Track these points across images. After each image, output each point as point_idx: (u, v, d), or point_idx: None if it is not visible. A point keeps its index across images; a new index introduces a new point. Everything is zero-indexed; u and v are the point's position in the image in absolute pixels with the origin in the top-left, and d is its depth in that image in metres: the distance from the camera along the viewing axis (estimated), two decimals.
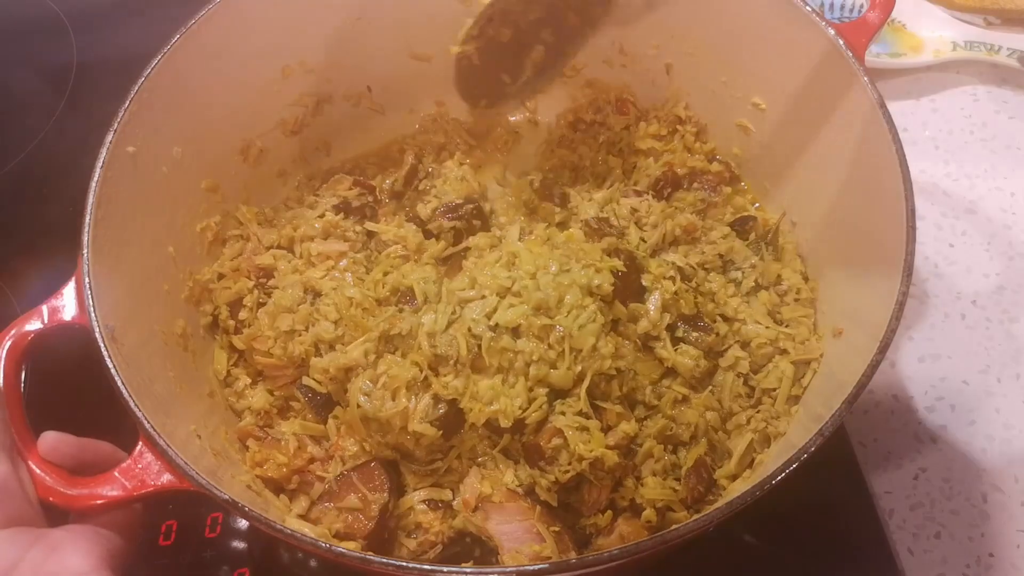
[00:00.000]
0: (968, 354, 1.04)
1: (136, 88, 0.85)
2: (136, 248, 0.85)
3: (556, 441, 0.80)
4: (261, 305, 0.95)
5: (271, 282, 0.97)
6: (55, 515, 0.70)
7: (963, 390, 1.02)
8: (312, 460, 0.88)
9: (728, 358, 0.90)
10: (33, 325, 0.75)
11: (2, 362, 0.72)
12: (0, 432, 0.68)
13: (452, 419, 0.82)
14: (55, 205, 1.22)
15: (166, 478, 0.69)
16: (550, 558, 0.78)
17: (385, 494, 0.82)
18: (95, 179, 0.80)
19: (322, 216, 1.01)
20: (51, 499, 0.69)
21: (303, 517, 0.84)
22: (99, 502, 0.68)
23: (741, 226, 1.00)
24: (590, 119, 1.14)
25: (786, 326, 0.92)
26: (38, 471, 0.69)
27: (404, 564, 0.63)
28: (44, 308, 0.76)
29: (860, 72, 0.83)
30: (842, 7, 1.32)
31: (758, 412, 0.88)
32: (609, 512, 0.82)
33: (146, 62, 0.87)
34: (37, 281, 1.15)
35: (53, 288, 0.77)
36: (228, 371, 0.95)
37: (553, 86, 1.13)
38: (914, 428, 0.99)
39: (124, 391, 0.71)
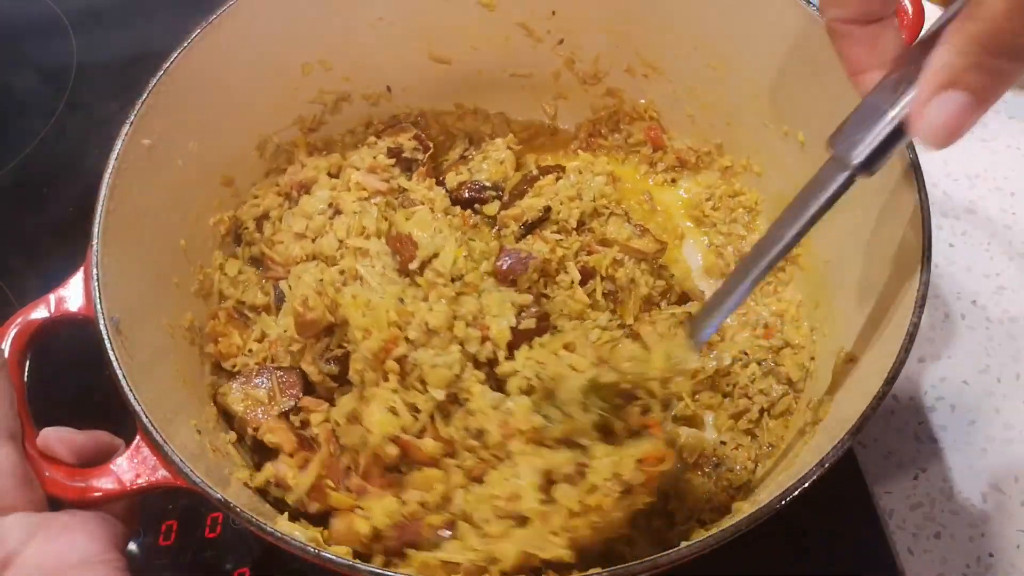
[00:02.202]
0: (968, 354, 1.04)
1: (154, 81, 0.85)
2: (147, 240, 0.85)
3: None
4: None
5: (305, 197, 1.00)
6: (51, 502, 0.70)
7: (963, 390, 1.02)
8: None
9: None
10: (39, 314, 0.75)
11: (7, 351, 0.72)
12: (9, 418, 0.69)
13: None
14: (55, 205, 1.22)
15: (161, 474, 0.69)
16: None
17: (292, 402, 0.85)
18: (109, 170, 0.80)
19: (375, 158, 1.04)
20: (48, 491, 0.69)
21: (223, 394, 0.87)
22: (96, 495, 0.69)
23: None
24: (606, 133, 1.15)
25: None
26: (36, 460, 0.69)
27: (388, 574, 0.63)
28: (51, 297, 0.76)
29: None
30: None
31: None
32: None
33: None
34: (37, 281, 1.15)
35: (52, 289, 0.77)
36: (240, 270, 0.98)
37: (574, 93, 1.14)
38: (914, 428, 0.99)
39: (124, 384, 0.71)
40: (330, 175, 1.04)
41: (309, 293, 0.84)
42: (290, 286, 0.93)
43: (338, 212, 0.97)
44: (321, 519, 0.81)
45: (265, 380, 0.87)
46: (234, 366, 0.91)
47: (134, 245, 0.82)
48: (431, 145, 1.10)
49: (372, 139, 1.08)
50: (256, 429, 0.85)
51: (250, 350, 0.92)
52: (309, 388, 0.89)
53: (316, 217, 0.97)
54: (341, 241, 0.93)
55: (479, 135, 1.16)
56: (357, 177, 1.01)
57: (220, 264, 0.97)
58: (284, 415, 0.86)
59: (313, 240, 0.96)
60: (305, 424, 0.86)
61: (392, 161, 1.04)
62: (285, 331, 0.89)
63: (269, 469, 0.82)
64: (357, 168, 1.03)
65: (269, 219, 1.00)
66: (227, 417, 0.89)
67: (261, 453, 0.87)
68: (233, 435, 0.87)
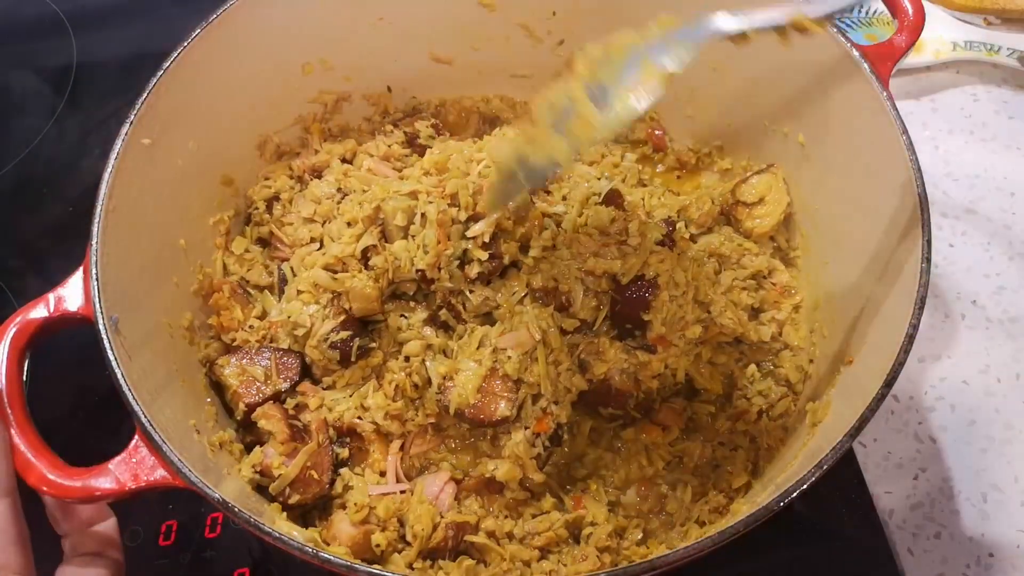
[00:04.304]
0: (968, 354, 1.04)
1: (155, 80, 0.85)
2: (147, 240, 0.85)
3: None
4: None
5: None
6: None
7: (963, 390, 1.02)
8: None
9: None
10: (38, 313, 0.75)
11: (5, 351, 0.72)
12: (4, 475, 0.67)
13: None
14: (55, 205, 1.22)
15: (160, 474, 0.69)
16: None
17: (286, 384, 0.87)
18: (109, 169, 0.80)
19: (389, 147, 1.05)
20: (44, 488, 0.68)
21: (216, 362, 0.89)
22: (95, 494, 0.68)
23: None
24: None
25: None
26: (33, 460, 0.69)
27: (386, 574, 0.63)
28: (50, 297, 0.76)
29: (884, 99, 0.81)
30: None
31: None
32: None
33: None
34: (37, 281, 1.15)
35: (52, 288, 0.77)
36: (247, 248, 1.00)
37: None
38: (914, 428, 0.99)
39: (123, 383, 0.71)
40: (344, 160, 1.05)
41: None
42: (292, 268, 0.94)
43: (345, 196, 0.99)
44: (300, 509, 0.83)
45: (265, 359, 0.89)
46: (233, 340, 0.93)
47: (134, 245, 0.82)
48: (448, 134, 1.10)
49: (389, 128, 1.09)
50: (248, 405, 0.86)
51: (250, 326, 0.93)
52: (304, 376, 0.90)
53: (324, 201, 0.98)
54: (349, 223, 0.93)
55: (499, 122, 1.15)
56: (369, 164, 1.02)
57: (225, 242, 0.99)
58: (279, 400, 0.87)
59: (322, 224, 0.97)
60: (300, 409, 0.87)
61: (408, 151, 1.05)
62: (289, 317, 0.90)
63: (257, 454, 0.83)
64: (371, 155, 1.04)
65: (280, 200, 1.01)
66: (216, 388, 0.90)
67: (247, 428, 0.88)
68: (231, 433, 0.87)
